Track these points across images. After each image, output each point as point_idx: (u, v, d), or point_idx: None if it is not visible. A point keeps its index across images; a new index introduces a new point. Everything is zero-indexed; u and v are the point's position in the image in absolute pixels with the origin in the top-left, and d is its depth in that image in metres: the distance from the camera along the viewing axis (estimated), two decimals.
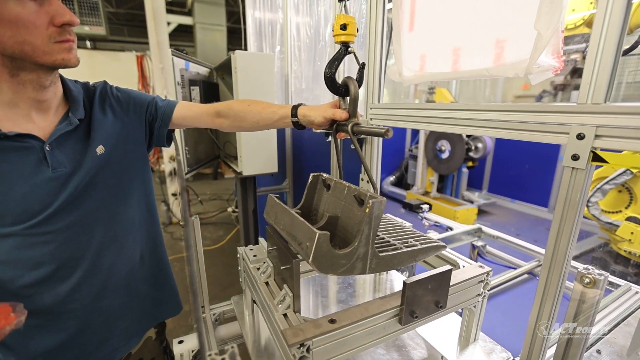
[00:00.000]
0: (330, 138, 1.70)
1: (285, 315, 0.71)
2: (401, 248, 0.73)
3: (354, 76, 0.83)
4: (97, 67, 8.29)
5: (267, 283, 0.84)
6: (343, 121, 0.85)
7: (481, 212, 3.83)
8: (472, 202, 3.96)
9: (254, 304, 1.04)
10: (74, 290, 0.79)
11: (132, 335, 0.95)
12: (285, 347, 0.63)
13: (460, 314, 0.97)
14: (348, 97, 0.83)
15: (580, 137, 0.66)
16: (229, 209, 4.87)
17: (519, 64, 0.77)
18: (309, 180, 0.83)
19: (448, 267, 0.77)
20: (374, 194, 0.65)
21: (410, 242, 0.77)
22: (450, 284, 0.78)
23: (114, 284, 0.87)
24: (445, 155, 3.91)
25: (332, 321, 0.68)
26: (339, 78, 0.83)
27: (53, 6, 0.67)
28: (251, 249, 0.98)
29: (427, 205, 2.19)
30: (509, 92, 4.19)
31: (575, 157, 0.67)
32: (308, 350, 0.63)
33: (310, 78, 2.03)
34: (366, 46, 1.29)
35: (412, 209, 2.15)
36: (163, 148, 4.55)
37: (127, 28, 10.71)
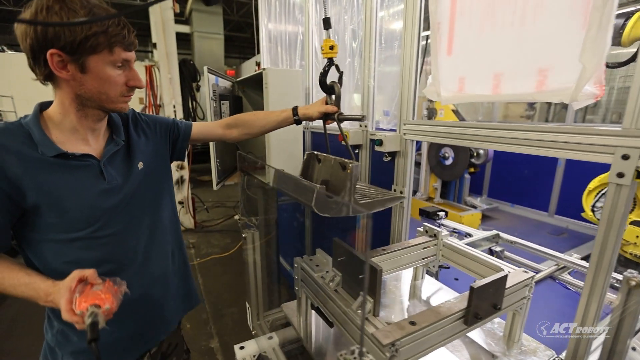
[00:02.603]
0: (356, 150, 1.79)
1: (366, 319, 0.79)
2: (372, 198, 1.01)
3: (337, 80, 1.16)
4: None
5: (335, 291, 0.91)
6: (333, 113, 1.17)
7: (484, 217, 3.95)
8: (475, 207, 4.08)
9: (312, 310, 1.11)
10: (129, 282, 0.87)
11: (169, 321, 1.09)
12: (376, 349, 0.70)
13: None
14: (334, 95, 1.17)
15: (626, 157, 0.75)
16: (236, 217, 4.90)
17: (563, 91, 0.86)
18: (305, 157, 1.10)
19: (504, 273, 0.86)
20: (352, 161, 0.90)
21: (379, 195, 1.06)
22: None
23: (157, 278, 1.00)
24: (448, 162, 4.03)
25: (412, 323, 0.76)
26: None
27: (132, 72, 0.86)
28: (311, 259, 1.05)
29: (444, 212, 2.28)
30: (516, 110, 4.38)
31: (620, 175, 0.76)
32: (396, 350, 0.70)
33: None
34: (401, 65, 1.38)
35: (429, 215, 2.24)
36: None
37: None
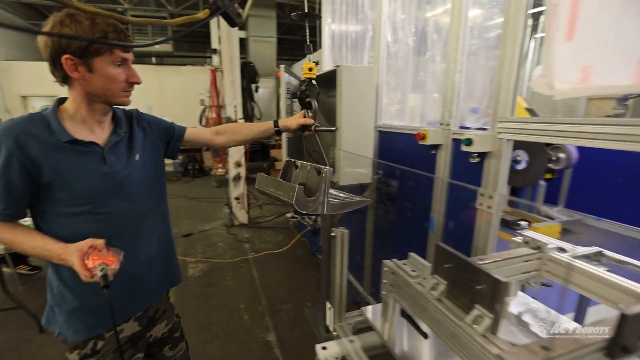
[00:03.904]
0: (434, 151, 1.67)
1: (484, 336, 0.69)
2: (342, 200, 1.11)
3: (314, 97, 1.30)
4: (164, 79, 8.92)
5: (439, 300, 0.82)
6: (310, 125, 1.30)
7: (563, 230, 3.52)
8: (551, 218, 3.71)
9: (395, 316, 1.03)
10: None
11: (151, 293, 1.24)
12: None
13: None
14: (311, 110, 1.30)
15: None
16: (288, 215, 4.95)
17: None
18: (284, 164, 1.20)
19: None
20: (326, 167, 1.01)
21: (347, 199, 1.15)
22: None
23: (141, 254, 1.15)
24: (521, 166, 3.69)
25: (545, 348, 0.65)
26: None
27: (130, 70, 1.02)
28: (404, 263, 0.97)
29: (526, 222, 2.07)
30: (603, 108, 3.90)
31: None
32: None
33: (409, 89, 2.00)
34: (500, 55, 1.25)
35: (508, 225, 2.04)
36: (229, 155, 4.75)
37: (187, 44, 11.39)
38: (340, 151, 1.78)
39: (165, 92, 8.98)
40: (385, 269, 1.01)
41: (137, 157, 1.12)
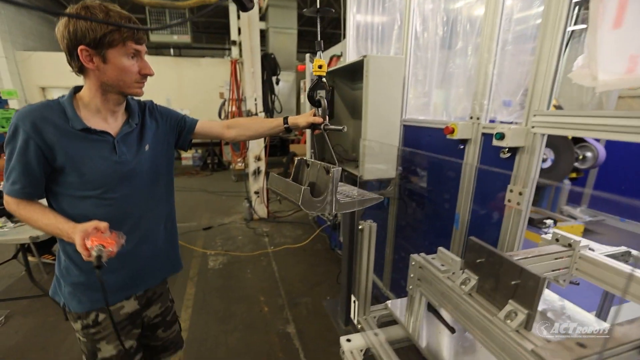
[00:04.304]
0: (461, 146, 1.64)
1: (517, 332, 0.68)
2: (353, 198, 1.11)
3: (324, 94, 1.30)
4: (183, 72, 9.00)
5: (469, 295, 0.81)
6: (319, 124, 1.32)
7: (586, 231, 3.43)
8: (574, 218, 3.59)
9: (418, 310, 1.02)
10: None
11: (153, 276, 1.31)
12: None
13: None
14: (320, 108, 1.31)
15: None
16: None
17: None
18: (296, 163, 1.22)
19: None
20: (334, 166, 1.01)
21: (358, 196, 1.16)
22: None
23: (147, 239, 1.21)
24: (546, 165, 3.58)
25: (581, 345, 0.64)
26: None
27: (143, 62, 1.05)
28: (433, 258, 0.97)
29: (552, 221, 2.03)
30: (635, 106, 3.71)
31: None
32: None
33: (440, 81, 1.96)
34: (538, 46, 1.20)
35: (533, 223, 1.99)
36: (249, 149, 4.80)
37: (206, 35, 11.49)
38: (366, 143, 1.77)
39: (184, 85, 8.97)
40: (412, 263, 1.00)
41: (147, 147, 1.16)
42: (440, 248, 0.97)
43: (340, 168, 1.03)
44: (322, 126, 1.31)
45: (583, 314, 1.11)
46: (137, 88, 1.07)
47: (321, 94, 1.31)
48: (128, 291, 1.23)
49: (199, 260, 3.67)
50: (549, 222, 1.98)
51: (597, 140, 3.58)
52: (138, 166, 1.14)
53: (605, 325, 1.05)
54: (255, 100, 4.72)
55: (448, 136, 1.59)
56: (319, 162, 1.11)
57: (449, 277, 0.89)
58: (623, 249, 1.72)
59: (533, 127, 1.24)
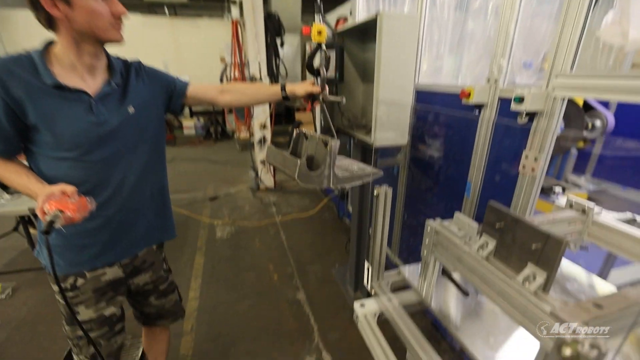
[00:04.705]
0: (476, 111, 1.60)
1: (535, 294, 0.69)
2: (352, 173, 1.09)
3: (324, 63, 1.26)
4: (180, 34, 8.38)
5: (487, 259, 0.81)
6: (317, 94, 1.27)
7: (589, 199, 3.41)
8: (579, 187, 3.56)
9: (432, 275, 1.04)
10: (103, 203, 1.09)
11: (138, 244, 1.28)
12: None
13: None
14: (319, 78, 1.26)
15: None
16: None
17: None
18: (294, 136, 1.18)
19: None
20: (333, 139, 0.99)
21: (358, 171, 1.14)
22: None
23: (129, 206, 1.18)
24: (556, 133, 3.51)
25: (598, 306, 0.65)
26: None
27: (113, 3, 0.99)
28: (448, 223, 0.97)
29: (561, 188, 2.00)
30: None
31: None
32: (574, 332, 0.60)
33: (455, 43, 1.87)
34: (565, 2, 1.13)
35: (542, 190, 1.97)
36: (255, 116, 4.72)
37: None
38: (379, 109, 1.72)
39: (182, 48, 8.48)
40: (428, 229, 1.00)
41: (131, 109, 1.11)
42: (458, 213, 0.96)
43: (339, 141, 1.01)
44: (320, 97, 1.26)
45: (591, 277, 1.13)
46: (113, 32, 1.01)
47: (328, 53, 1.26)
48: (110, 258, 1.21)
49: (206, 231, 3.73)
50: (557, 189, 1.96)
51: (607, 108, 3.49)
52: (120, 129, 1.09)
53: (613, 288, 1.06)
54: (259, 63, 4.55)
55: (463, 101, 1.54)
56: (318, 135, 1.09)
57: (466, 242, 0.89)
58: (629, 214, 1.72)
59: (554, 89, 1.20)
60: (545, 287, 0.69)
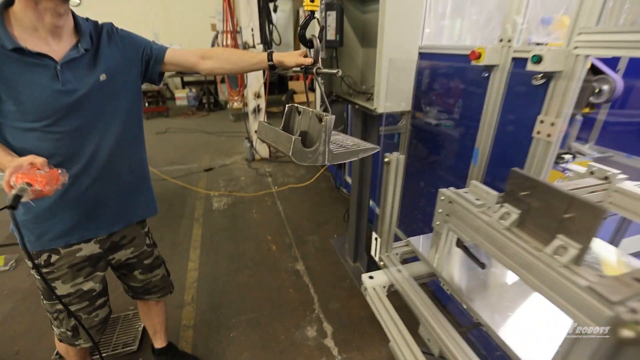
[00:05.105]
0: (486, 74, 1.50)
1: (567, 267, 0.63)
2: (347, 148, 1.05)
3: (317, 35, 1.16)
4: (169, 2, 8.12)
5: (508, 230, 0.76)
6: (310, 66, 1.17)
7: None
8: (583, 154, 3.53)
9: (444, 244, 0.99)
10: (75, 177, 1.05)
11: (115, 222, 1.24)
12: (599, 306, 0.56)
13: None
14: (313, 49, 1.17)
15: None
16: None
17: None
18: (286, 110, 1.10)
19: None
20: (328, 114, 0.93)
21: (354, 146, 1.10)
22: None
23: (104, 180, 1.13)
24: None
25: (638, 280, 0.60)
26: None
27: None
28: (466, 192, 0.90)
29: (570, 156, 1.95)
30: None
31: None
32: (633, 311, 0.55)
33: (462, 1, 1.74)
34: None
35: None
36: (248, 85, 4.54)
37: None
38: (382, 73, 1.61)
39: (172, 17, 8.32)
40: (441, 198, 0.94)
41: (102, 76, 1.04)
42: (474, 182, 0.90)
43: (334, 116, 0.95)
44: (314, 69, 1.17)
45: (610, 248, 1.09)
46: None
47: (322, 22, 1.20)
48: (85, 233, 1.17)
49: (203, 202, 3.67)
50: (567, 157, 1.91)
51: (616, 72, 3.39)
52: (91, 97, 1.02)
53: (634, 259, 1.03)
54: (252, 30, 4.33)
55: (473, 62, 1.44)
56: (311, 110, 1.03)
57: (484, 211, 0.83)
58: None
59: (576, 47, 1.10)
60: (578, 259, 0.64)
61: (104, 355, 1.82)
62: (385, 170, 0.96)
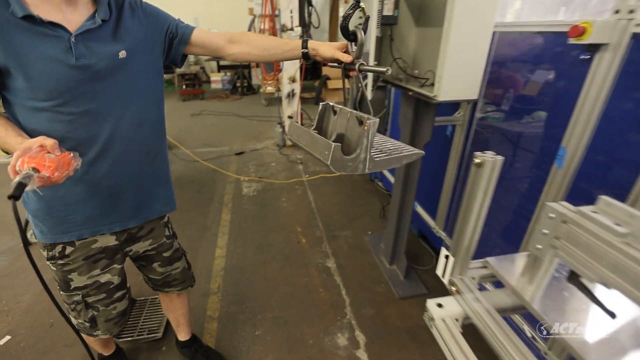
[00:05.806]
0: (586, 55, 1.20)
1: None
2: (388, 154, 0.92)
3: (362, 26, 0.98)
4: None
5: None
6: (351, 62, 1.01)
7: None
8: None
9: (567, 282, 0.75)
10: (89, 164, 0.96)
11: (132, 216, 1.13)
12: None
13: None
14: (356, 43, 1.01)
15: None
16: None
17: None
18: (320, 108, 0.97)
19: None
20: (370, 116, 0.82)
21: (395, 151, 0.94)
22: None
23: (122, 169, 1.03)
24: None
25: None
26: None
27: None
28: (594, 211, 0.65)
29: None
30: None
31: None
32: None
33: None
34: None
35: None
36: (284, 69, 4.33)
37: None
38: (448, 55, 1.35)
39: (212, 1, 8.32)
40: (550, 215, 0.70)
41: (122, 53, 0.94)
42: (604, 197, 0.65)
43: (378, 119, 0.80)
44: (357, 65, 1.00)
45: None
46: None
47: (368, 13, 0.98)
48: (99, 228, 1.08)
49: (232, 186, 3.56)
50: None
51: None
52: (106, 76, 0.92)
53: None
54: (291, 12, 4.11)
55: (572, 40, 1.15)
56: (350, 110, 0.90)
57: (629, 242, 0.58)
58: None
59: None
60: None
61: (128, 339, 1.79)
62: (474, 174, 0.73)
